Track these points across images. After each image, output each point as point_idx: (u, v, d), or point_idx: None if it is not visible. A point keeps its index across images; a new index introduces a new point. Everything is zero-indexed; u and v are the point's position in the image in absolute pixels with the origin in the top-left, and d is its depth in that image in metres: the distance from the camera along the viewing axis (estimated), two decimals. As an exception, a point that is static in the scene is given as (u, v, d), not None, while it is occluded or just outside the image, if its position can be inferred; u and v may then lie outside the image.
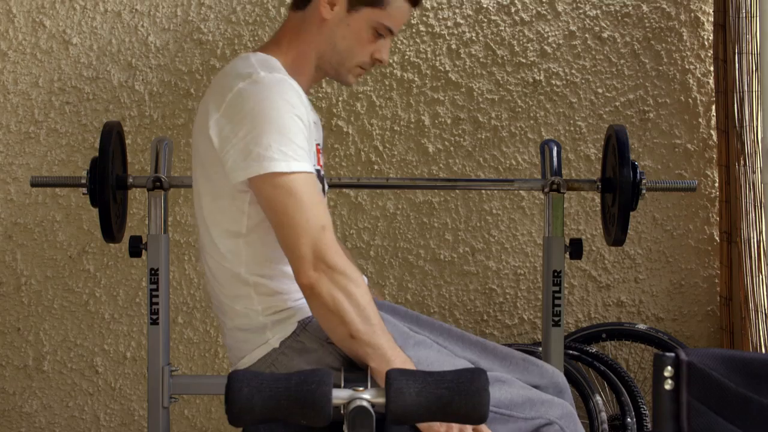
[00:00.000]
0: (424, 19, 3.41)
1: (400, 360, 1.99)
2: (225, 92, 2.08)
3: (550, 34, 3.42)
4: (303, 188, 2.01)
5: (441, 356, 2.17)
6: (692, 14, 3.42)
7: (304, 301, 2.07)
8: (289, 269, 2.05)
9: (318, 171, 2.15)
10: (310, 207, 2.00)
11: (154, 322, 2.68)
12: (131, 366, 3.47)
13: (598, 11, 3.42)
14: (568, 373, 3.16)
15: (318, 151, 2.21)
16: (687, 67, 3.42)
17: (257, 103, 2.02)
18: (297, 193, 2.00)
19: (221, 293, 2.18)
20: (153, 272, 2.67)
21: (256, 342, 2.14)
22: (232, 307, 2.16)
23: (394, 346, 2.01)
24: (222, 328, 2.25)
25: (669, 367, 1.61)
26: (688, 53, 3.43)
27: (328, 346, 2.08)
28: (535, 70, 3.42)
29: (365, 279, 2.26)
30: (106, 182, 2.59)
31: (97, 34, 3.40)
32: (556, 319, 2.72)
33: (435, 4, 3.40)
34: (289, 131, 2.00)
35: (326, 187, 2.30)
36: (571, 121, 3.43)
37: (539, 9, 3.41)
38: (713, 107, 3.41)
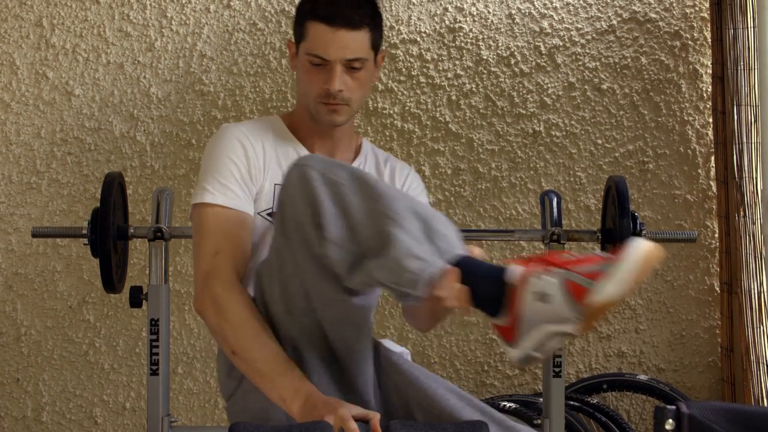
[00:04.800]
0: (425, 70, 3.43)
1: (278, 371, 2.02)
2: None
3: (549, 85, 3.44)
4: (210, 218, 2.21)
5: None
6: (691, 66, 3.44)
7: None
8: None
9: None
10: (210, 234, 2.20)
11: (154, 372, 2.66)
12: (131, 417, 3.45)
13: (597, 63, 3.45)
14: (569, 425, 3.15)
15: None
16: (686, 118, 3.44)
17: (206, 149, 2.33)
18: (203, 222, 2.22)
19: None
20: (153, 322, 2.67)
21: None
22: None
23: (278, 363, 2.04)
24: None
25: (671, 420, 1.61)
26: (687, 105, 3.45)
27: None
28: (535, 121, 3.44)
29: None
30: (107, 233, 2.59)
31: (100, 86, 3.43)
32: (557, 369, 2.71)
33: (435, 56, 3.43)
34: (216, 171, 2.25)
35: None
36: (571, 172, 3.45)
37: (539, 61, 3.44)
38: (712, 158, 3.42)
